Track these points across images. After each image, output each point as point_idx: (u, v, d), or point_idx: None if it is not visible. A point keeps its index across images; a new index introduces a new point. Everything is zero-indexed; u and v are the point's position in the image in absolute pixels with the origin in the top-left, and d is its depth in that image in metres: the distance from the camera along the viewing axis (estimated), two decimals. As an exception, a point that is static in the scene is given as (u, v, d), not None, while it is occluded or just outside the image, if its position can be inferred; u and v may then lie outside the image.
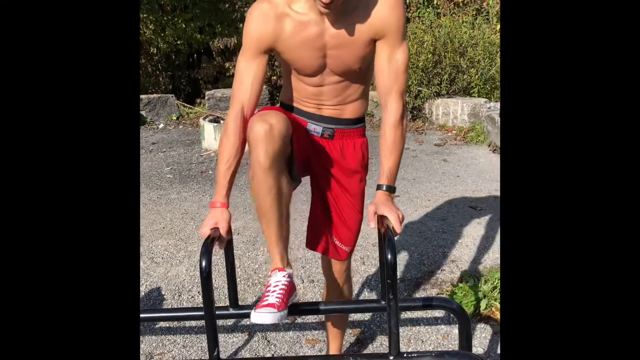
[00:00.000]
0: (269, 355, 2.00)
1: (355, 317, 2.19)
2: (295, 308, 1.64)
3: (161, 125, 5.99)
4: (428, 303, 1.71)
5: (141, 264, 2.67)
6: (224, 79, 7.15)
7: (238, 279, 2.32)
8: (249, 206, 3.32)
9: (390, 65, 1.45)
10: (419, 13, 6.78)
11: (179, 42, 7.26)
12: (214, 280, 2.02)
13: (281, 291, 1.36)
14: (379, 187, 1.47)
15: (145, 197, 3.65)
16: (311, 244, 1.69)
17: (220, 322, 2.12)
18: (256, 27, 1.43)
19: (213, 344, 1.37)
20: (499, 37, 5.66)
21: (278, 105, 1.65)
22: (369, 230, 1.55)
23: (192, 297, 2.40)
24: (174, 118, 6.23)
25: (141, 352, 2.01)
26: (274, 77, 6.51)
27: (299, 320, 2.18)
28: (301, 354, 1.97)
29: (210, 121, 4.98)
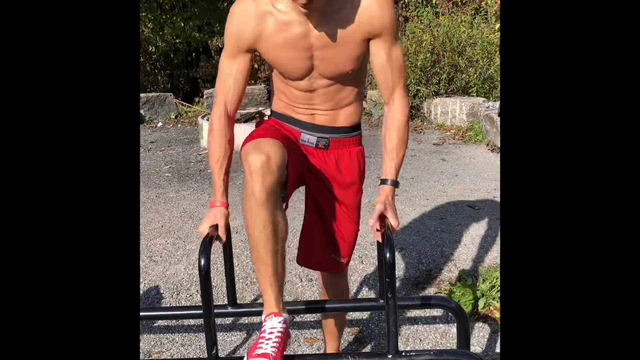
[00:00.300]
0: (267, 353, 2.00)
1: (353, 315, 2.19)
2: (293, 307, 1.65)
3: (160, 124, 5.99)
4: (426, 302, 1.72)
5: (140, 262, 2.67)
6: (223, 77, 7.14)
7: (236, 278, 2.32)
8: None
9: (391, 62, 1.45)
10: (417, 12, 6.79)
11: (177, 41, 7.27)
12: (212, 279, 2.03)
13: (277, 339, 1.27)
14: (383, 181, 1.46)
15: (144, 196, 3.65)
16: (304, 260, 1.63)
17: (218, 321, 2.12)
18: (237, 25, 1.41)
19: (211, 343, 1.37)
20: (497, 36, 5.67)
21: (270, 114, 1.62)
22: (367, 229, 1.55)
23: (191, 295, 2.40)
24: (173, 117, 6.24)
25: (139, 350, 2.01)
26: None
27: (297, 318, 2.17)
28: (299, 353, 1.97)
29: (209, 120, 4.98)
